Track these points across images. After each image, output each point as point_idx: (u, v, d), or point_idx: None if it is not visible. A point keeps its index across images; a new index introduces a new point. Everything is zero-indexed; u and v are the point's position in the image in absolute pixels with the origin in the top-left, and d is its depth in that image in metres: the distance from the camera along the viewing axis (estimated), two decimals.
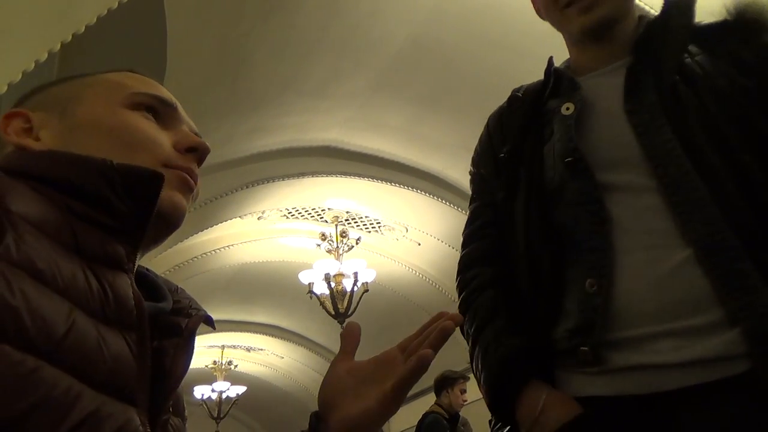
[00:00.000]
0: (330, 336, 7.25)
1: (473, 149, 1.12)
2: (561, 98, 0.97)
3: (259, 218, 5.49)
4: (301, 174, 4.75)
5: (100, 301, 0.45)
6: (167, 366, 0.52)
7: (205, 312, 0.60)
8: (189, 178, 0.59)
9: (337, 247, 5.59)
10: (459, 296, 1.00)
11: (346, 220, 5.64)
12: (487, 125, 1.10)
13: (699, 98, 0.84)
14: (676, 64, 0.88)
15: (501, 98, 1.13)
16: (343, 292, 5.31)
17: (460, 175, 4.61)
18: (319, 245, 5.65)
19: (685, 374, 0.75)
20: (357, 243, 5.63)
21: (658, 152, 0.84)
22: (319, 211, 5.51)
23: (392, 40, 3.57)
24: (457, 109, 4.10)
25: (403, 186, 4.94)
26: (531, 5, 1.07)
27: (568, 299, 0.86)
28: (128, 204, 0.50)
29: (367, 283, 5.33)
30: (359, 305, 5.33)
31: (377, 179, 4.87)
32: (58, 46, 1.70)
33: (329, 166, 4.72)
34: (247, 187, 4.74)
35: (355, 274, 5.27)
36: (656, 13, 0.98)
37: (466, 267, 1.01)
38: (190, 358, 0.55)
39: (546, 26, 1.05)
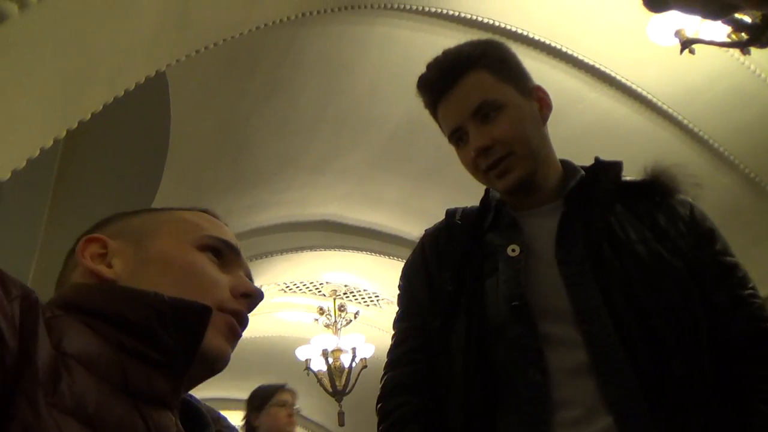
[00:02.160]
0: (327, 414, 6.99)
1: None
2: (501, 234, 0.99)
3: None
4: (300, 248, 4.74)
5: None
6: None
7: None
8: (237, 325, 0.63)
9: (335, 321, 5.51)
10: (378, 426, 0.96)
11: (345, 293, 5.58)
12: (423, 245, 1.09)
13: (620, 261, 0.89)
14: (603, 225, 0.93)
15: None
16: (341, 368, 5.17)
17: None
18: (317, 320, 5.56)
19: None
20: (355, 317, 5.54)
21: (584, 308, 0.87)
22: (317, 285, 5.46)
23: (389, 118, 3.67)
24: (453, 183, 4.13)
25: (401, 259, 4.84)
26: None
27: None
28: (175, 338, 0.52)
29: (365, 358, 5.21)
30: (357, 382, 5.18)
31: (375, 253, 4.86)
32: (64, 134, 1.74)
33: (327, 241, 4.72)
34: None
35: (353, 349, 5.16)
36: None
37: (390, 394, 0.97)
38: None
39: None
